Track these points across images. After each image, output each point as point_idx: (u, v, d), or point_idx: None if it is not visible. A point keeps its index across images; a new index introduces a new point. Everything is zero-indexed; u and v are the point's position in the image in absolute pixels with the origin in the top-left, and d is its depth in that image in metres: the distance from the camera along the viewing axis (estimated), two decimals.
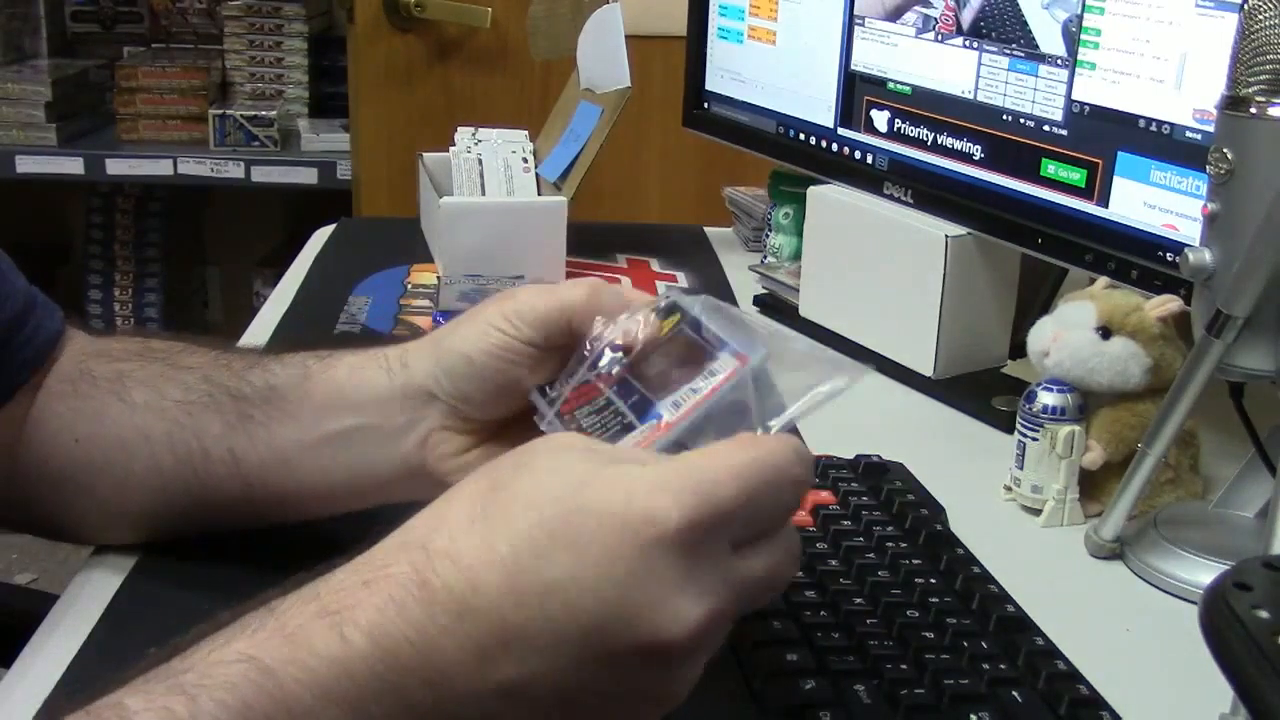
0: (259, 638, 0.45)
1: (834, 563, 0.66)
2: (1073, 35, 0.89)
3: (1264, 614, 0.44)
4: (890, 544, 0.67)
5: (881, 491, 0.74)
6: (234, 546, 0.72)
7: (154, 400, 0.69)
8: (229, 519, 0.70)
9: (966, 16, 0.97)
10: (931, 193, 1.02)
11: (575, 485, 0.45)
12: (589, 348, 0.58)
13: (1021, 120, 0.94)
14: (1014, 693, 0.56)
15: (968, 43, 0.97)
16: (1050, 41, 0.90)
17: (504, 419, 0.64)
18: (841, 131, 1.11)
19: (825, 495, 0.74)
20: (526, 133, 1.34)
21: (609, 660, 0.44)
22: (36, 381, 0.72)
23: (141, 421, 0.69)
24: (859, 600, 0.62)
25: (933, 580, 0.64)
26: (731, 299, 1.24)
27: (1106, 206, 0.88)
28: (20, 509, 0.72)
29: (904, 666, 0.57)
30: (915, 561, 0.66)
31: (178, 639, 0.46)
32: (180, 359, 0.71)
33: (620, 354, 0.57)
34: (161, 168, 2.41)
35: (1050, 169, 0.92)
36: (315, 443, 0.67)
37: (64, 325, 0.74)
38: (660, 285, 1.28)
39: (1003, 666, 0.57)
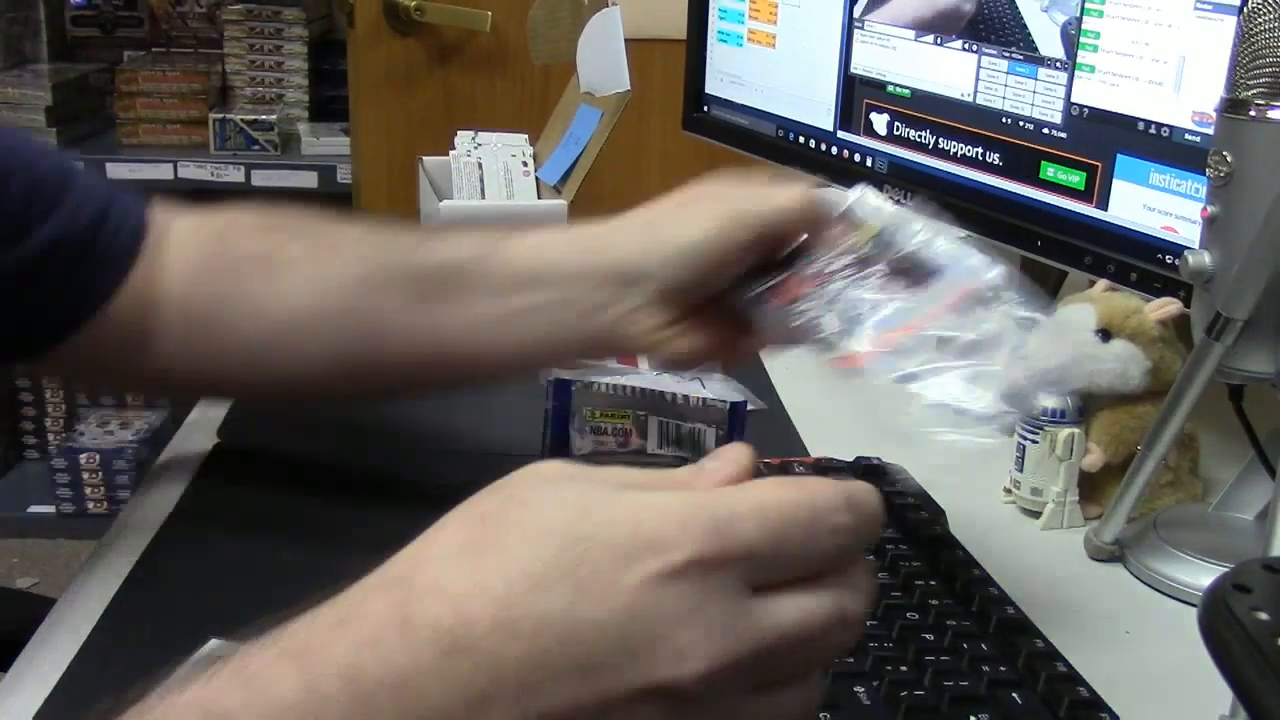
0: (215, 683, 0.40)
1: None
2: (1072, 38, 0.89)
3: (1263, 616, 0.44)
4: (890, 546, 0.67)
5: (881, 494, 0.74)
6: (234, 549, 0.72)
7: (319, 281, 0.71)
8: (405, 384, 0.74)
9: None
10: (931, 195, 1.02)
11: (578, 513, 0.41)
12: (811, 255, 0.62)
13: (1021, 123, 0.94)
14: (1014, 694, 0.56)
15: (967, 45, 0.97)
16: (1049, 44, 0.90)
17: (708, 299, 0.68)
18: (841, 134, 1.12)
19: None
20: (526, 136, 1.34)
21: (607, 700, 0.40)
22: (150, 268, 0.73)
23: (311, 302, 0.71)
24: None
25: (933, 582, 0.64)
26: None
27: (1106, 209, 0.88)
28: (176, 377, 0.76)
29: (904, 668, 0.57)
30: (915, 564, 0.66)
31: (135, 689, 0.41)
32: (326, 232, 0.73)
33: (844, 259, 0.61)
34: (162, 172, 2.41)
35: (1049, 172, 0.92)
36: (504, 315, 0.69)
37: (144, 216, 0.75)
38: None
39: (1002, 668, 0.57)
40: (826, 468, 0.78)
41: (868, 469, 0.78)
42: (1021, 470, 0.82)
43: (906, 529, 0.70)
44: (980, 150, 0.98)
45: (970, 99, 0.98)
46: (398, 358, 0.71)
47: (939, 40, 1.00)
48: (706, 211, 0.66)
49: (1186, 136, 0.82)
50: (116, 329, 0.73)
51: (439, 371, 0.72)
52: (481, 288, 0.69)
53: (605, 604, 0.39)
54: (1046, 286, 1.06)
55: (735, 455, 0.45)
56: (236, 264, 0.73)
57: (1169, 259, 0.83)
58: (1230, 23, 0.70)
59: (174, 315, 0.74)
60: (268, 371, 0.74)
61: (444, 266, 0.70)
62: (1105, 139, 0.87)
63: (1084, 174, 0.89)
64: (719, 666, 0.40)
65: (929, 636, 0.59)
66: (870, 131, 1.08)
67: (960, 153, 0.99)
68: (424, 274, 0.70)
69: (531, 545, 0.40)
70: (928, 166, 1.03)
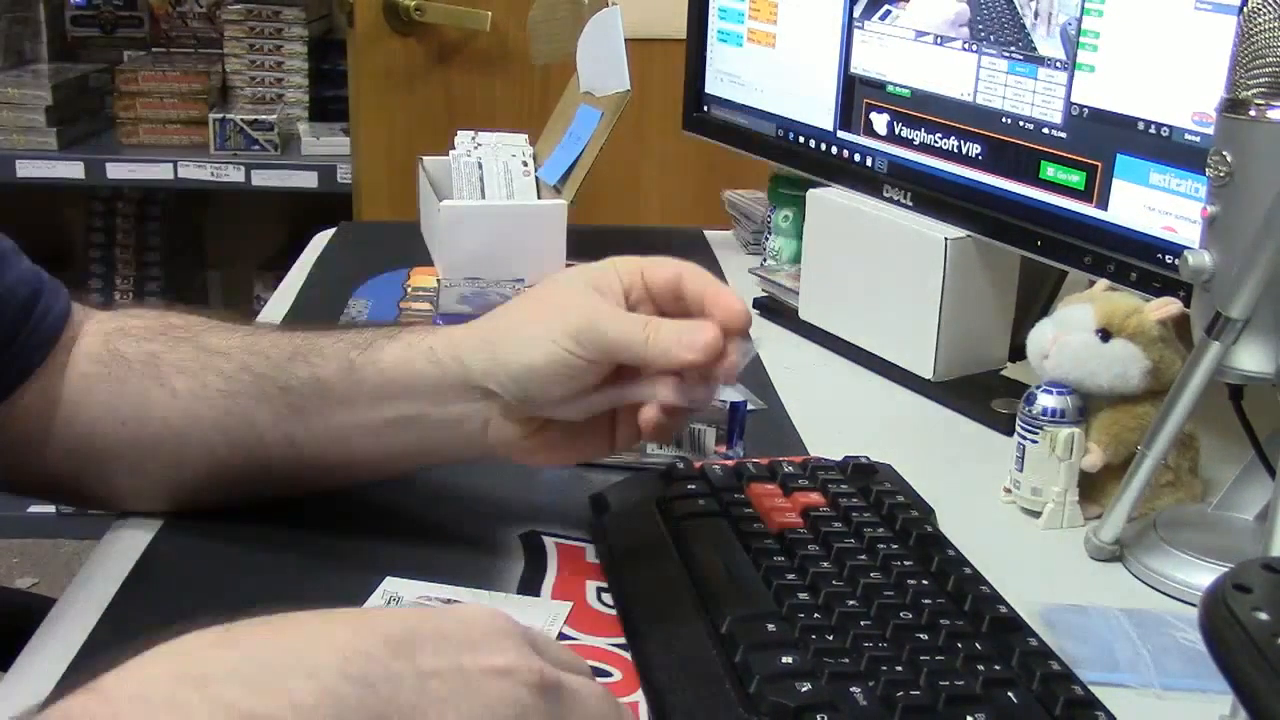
0: None
1: (826, 565, 0.66)
2: (1071, 38, 0.89)
3: (1263, 616, 0.44)
4: (881, 545, 0.67)
5: (870, 493, 0.74)
6: (235, 548, 0.72)
7: (196, 388, 0.72)
8: (284, 489, 0.74)
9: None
10: (931, 195, 1.02)
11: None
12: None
13: (1021, 123, 0.94)
14: (1009, 693, 0.55)
15: (967, 45, 0.97)
16: (1049, 44, 0.90)
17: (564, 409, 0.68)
18: (841, 134, 1.12)
19: (815, 497, 0.73)
20: (526, 136, 1.34)
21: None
22: (59, 361, 0.74)
23: (188, 408, 0.72)
24: (852, 602, 0.62)
25: (924, 581, 0.64)
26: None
27: (1106, 209, 0.88)
28: (64, 484, 0.76)
29: (899, 668, 0.57)
30: (907, 563, 0.66)
31: None
32: (207, 340, 0.73)
33: None
34: (162, 172, 2.41)
35: (1049, 171, 0.92)
36: (376, 427, 0.70)
37: (69, 304, 0.77)
38: None
39: (997, 667, 0.57)
40: (816, 467, 0.78)
41: (856, 468, 0.78)
42: (1021, 470, 0.82)
43: (896, 528, 0.70)
44: (980, 150, 0.98)
45: (970, 99, 0.98)
46: (273, 466, 0.72)
47: (939, 40, 1.00)
48: (553, 334, 0.65)
49: (1186, 136, 0.82)
50: (21, 420, 0.73)
51: (316, 478, 0.73)
52: (351, 401, 0.70)
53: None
54: (1046, 286, 1.07)
55: None
56: (123, 369, 0.73)
57: (1169, 259, 0.83)
58: (1230, 21, 0.70)
59: (65, 417, 0.74)
60: (150, 479, 0.74)
61: (308, 383, 0.71)
62: (1105, 139, 0.87)
63: (1084, 174, 0.89)
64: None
65: (923, 636, 0.59)
66: (870, 131, 1.08)
67: (960, 152, 0.99)
68: (295, 386, 0.71)
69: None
70: (928, 166, 1.03)
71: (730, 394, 0.86)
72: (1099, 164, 0.88)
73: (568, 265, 1.24)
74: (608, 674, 0.62)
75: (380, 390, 0.70)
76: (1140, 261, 0.85)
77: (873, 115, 1.08)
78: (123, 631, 0.65)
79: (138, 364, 0.73)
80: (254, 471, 0.73)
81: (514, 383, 0.66)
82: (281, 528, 0.74)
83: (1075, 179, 0.90)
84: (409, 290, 1.24)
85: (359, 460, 0.72)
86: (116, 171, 2.41)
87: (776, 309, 1.18)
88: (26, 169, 2.40)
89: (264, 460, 0.72)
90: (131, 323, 0.76)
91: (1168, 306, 0.81)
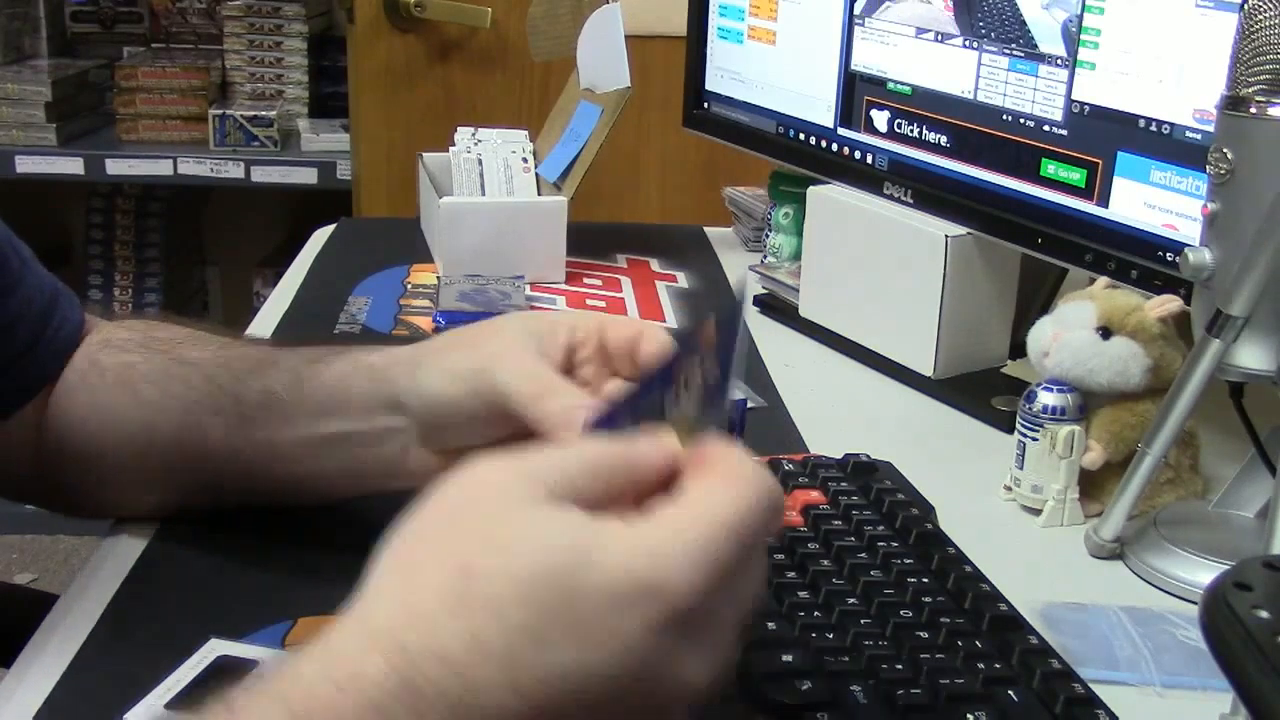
0: None
1: (826, 563, 0.65)
2: (1072, 35, 0.89)
3: (1264, 614, 0.44)
4: (881, 543, 0.67)
5: (871, 491, 0.74)
6: (234, 548, 0.72)
7: (161, 399, 0.72)
8: (237, 501, 0.74)
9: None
10: (931, 193, 1.02)
11: (568, 558, 0.40)
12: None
13: (1021, 120, 0.94)
14: (1010, 692, 0.55)
15: (967, 43, 0.97)
16: (1050, 41, 0.90)
17: (477, 447, 0.65)
18: (841, 131, 1.11)
19: (815, 494, 0.73)
20: (526, 133, 1.34)
21: None
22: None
23: (149, 419, 0.72)
24: (852, 600, 0.62)
25: (925, 580, 0.64)
26: (731, 299, 1.23)
27: (1106, 206, 0.88)
28: (48, 489, 0.77)
29: (899, 666, 0.57)
30: (907, 561, 0.66)
31: None
32: (183, 352, 0.74)
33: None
34: (161, 168, 2.40)
35: (1050, 169, 0.92)
36: (312, 444, 0.70)
37: (83, 314, 0.78)
38: (660, 285, 1.28)
39: (998, 665, 0.57)
40: (816, 465, 0.78)
41: (856, 466, 0.78)
42: (1022, 468, 0.82)
43: (896, 526, 0.70)
44: (981, 147, 0.98)
45: (971, 96, 0.98)
46: (223, 480, 0.72)
47: (939, 37, 1.00)
48: (456, 362, 0.64)
49: (1187, 134, 0.81)
50: (23, 428, 0.75)
51: (261, 492, 0.73)
52: (292, 416, 0.70)
53: (612, 654, 0.40)
54: (1047, 284, 1.06)
55: (659, 447, 0.46)
56: (97, 378, 0.74)
57: (1170, 256, 0.83)
58: (1231, 19, 0.70)
59: (46, 427, 0.75)
60: (115, 488, 0.75)
61: (258, 395, 0.70)
62: (1106, 136, 0.87)
63: (1085, 171, 0.89)
64: (718, 672, 0.42)
65: (923, 634, 0.59)
66: (871, 128, 1.08)
67: (961, 150, 0.99)
68: (247, 398, 0.70)
69: (527, 600, 0.40)
70: (928, 163, 1.03)
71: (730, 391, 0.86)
72: (1100, 161, 0.88)
73: (568, 262, 1.24)
74: None
75: (320, 406, 0.69)
76: (1141, 259, 0.85)
77: (873, 112, 1.08)
78: (123, 631, 0.65)
79: (111, 374, 0.74)
80: (207, 482, 0.73)
81: (424, 405, 0.66)
82: (281, 527, 0.74)
83: (1076, 176, 0.90)
84: (409, 287, 1.24)
85: (299, 479, 0.71)
86: (116, 167, 2.41)
87: (777, 306, 1.18)
88: (26, 164, 2.40)
89: (215, 473, 0.72)
90: (118, 334, 0.77)
91: (1168, 304, 0.81)
